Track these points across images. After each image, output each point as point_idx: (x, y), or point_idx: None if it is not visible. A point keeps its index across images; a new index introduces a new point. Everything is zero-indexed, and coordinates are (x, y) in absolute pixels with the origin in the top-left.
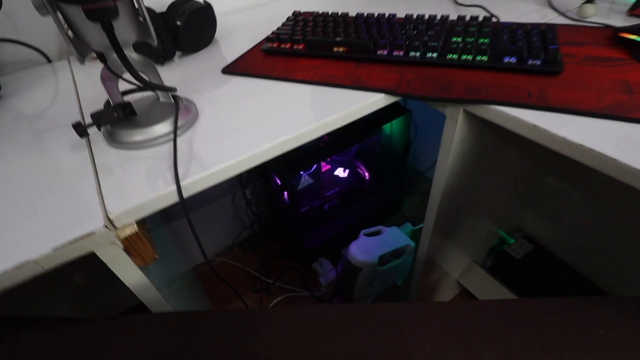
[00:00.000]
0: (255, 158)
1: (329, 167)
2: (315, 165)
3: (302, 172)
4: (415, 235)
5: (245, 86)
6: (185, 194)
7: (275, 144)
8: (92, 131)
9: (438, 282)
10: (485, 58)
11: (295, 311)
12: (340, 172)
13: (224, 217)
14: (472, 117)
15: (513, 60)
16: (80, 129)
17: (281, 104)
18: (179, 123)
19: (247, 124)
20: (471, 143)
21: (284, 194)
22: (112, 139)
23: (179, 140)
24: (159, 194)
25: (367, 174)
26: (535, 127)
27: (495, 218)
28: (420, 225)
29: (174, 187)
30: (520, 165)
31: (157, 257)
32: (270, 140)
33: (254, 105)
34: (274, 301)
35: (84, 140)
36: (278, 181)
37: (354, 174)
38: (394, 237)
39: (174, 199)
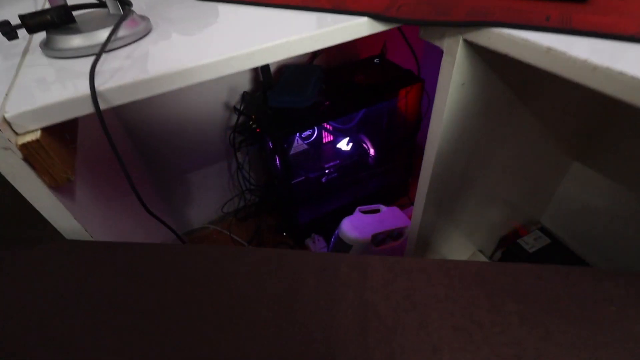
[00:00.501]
0: (204, 70)
1: (330, 137)
2: (313, 131)
3: (296, 135)
4: None
5: (217, 10)
6: (106, 104)
7: (229, 56)
8: (27, 39)
9: None
10: None
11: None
12: (342, 145)
13: (220, 183)
14: (474, 53)
15: None
16: (6, 29)
17: (250, 25)
18: (124, 33)
19: (204, 40)
20: (475, 92)
21: (276, 159)
22: (47, 47)
23: (118, 51)
24: (69, 96)
25: (371, 149)
26: (549, 50)
27: (509, 204)
28: None
29: (88, 91)
30: (543, 135)
31: (71, 177)
32: (225, 53)
33: (218, 26)
34: None
35: (20, 49)
36: (270, 144)
37: (357, 147)
38: (392, 216)
39: (88, 106)
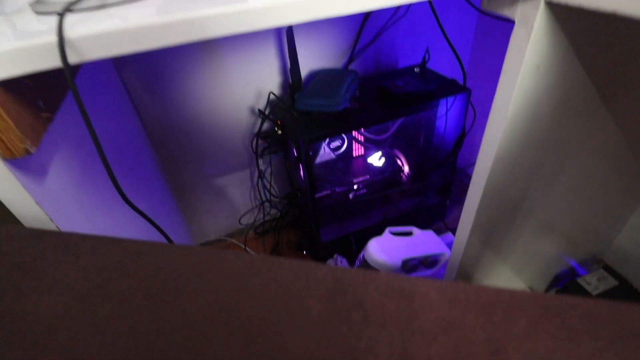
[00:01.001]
0: (204, 24)
1: (361, 149)
2: (342, 141)
3: (324, 143)
4: None
5: None
6: (77, 57)
7: (239, 9)
8: None
9: None
10: None
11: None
12: (374, 159)
13: (240, 192)
14: (558, 23)
15: None
16: None
17: None
18: None
19: None
20: (552, 80)
21: (299, 168)
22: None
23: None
24: (32, 43)
25: (406, 166)
26: None
27: (568, 236)
28: None
29: (55, 38)
30: (621, 150)
31: (30, 149)
32: (234, 4)
33: None
34: None
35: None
36: (294, 151)
37: (390, 162)
38: (426, 241)
39: (54, 57)
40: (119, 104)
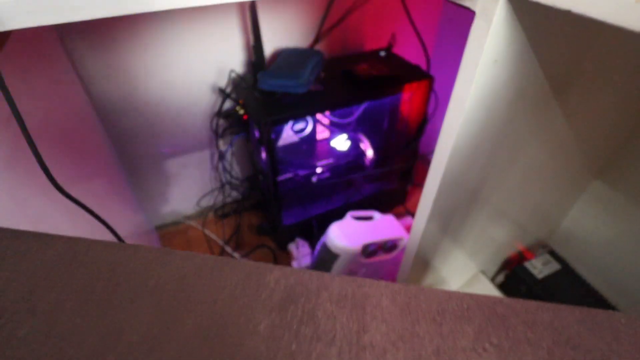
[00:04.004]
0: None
1: (325, 132)
2: (306, 123)
3: (287, 125)
4: None
5: None
6: None
7: None
8: None
9: None
10: None
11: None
12: (338, 142)
13: (199, 174)
14: (517, 17)
15: None
16: None
17: None
18: None
19: None
20: (509, 73)
21: (261, 151)
22: None
23: None
24: None
25: (369, 150)
26: None
27: (518, 223)
28: None
29: None
30: (570, 143)
31: None
32: None
33: None
34: None
35: None
36: (257, 133)
37: (354, 146)
38: (386, 226)
39: None
40: (62, 77)
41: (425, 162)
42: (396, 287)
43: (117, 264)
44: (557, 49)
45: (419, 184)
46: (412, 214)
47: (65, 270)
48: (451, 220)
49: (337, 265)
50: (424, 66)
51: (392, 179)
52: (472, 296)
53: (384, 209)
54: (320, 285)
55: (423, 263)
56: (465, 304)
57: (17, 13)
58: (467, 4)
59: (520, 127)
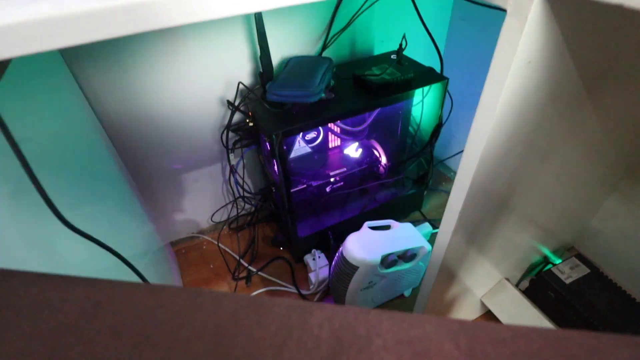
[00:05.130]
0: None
1: (337, 141)
2: (318, 133)
3: (298, 136)
4: (434, 240)
5: None
6: None
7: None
8: None
9: (455, 300)
10: None
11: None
12: (351, 151)
13: (212, 188)
14: (554, 15)
15: None
16: None
17: None
18: None
19: None
20: (542, 76)
21: (273, 163)
22: None
23: None
24: None
25: (383, 157)
26: None
27: (544, 228)
28: None
29: None
30: (600, 143)
31: None
32: None
33: None
34: (253, 293)
35: None
36: (267, 145)
37: (367, 154)
38: (405, 235)
39: None
40: (68, 99)
41: (441, 165)
42: (453, 325)
43: (144, 312)
44: (594, 47)
45: (434, 188)
46: (429, 220)
47: (86, 325)
48: (477, 230)
49: (357, 278)
50: (436, 67)
51: (407, 184)
52: (539, 332)
53: (399, 216)
54: (370, 329)
55: (447, 274)
56: (535, 345)
57: (15, 41)
58: (498, 2)
59: (552, 130)
